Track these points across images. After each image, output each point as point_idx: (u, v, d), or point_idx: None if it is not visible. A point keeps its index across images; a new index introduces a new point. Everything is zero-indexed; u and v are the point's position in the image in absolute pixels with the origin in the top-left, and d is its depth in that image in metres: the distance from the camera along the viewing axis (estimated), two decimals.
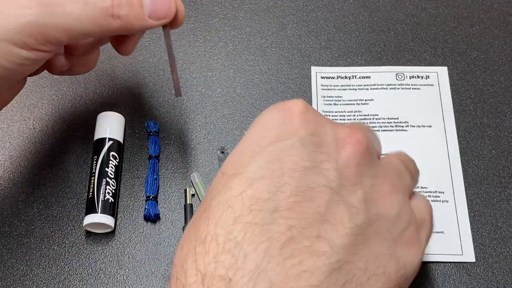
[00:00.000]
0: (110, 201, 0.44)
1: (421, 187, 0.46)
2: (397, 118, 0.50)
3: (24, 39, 0.31)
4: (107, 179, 0.44)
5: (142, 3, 0.33)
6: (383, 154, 0.35)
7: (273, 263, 0.21)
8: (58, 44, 0.33)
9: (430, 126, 0.49)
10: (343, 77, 0.52)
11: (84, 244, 0.44)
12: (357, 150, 0.27)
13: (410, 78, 0.52)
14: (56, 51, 0.34)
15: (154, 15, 0.34)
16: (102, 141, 0.46)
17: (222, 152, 0.47)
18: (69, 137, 0.49)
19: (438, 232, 0.44)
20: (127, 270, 0.43)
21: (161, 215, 0.45)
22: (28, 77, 0.41)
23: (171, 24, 0.36)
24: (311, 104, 0.51)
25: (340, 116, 0.50)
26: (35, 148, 0.48)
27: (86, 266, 0.43)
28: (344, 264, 0.23)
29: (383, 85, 0.52)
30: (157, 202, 0.45)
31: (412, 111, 0.50)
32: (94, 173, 0.44)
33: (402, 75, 0.52)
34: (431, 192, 0.46)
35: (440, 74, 0.52)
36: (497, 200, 0.46)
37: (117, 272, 0.43)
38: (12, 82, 0.36)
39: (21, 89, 0.40)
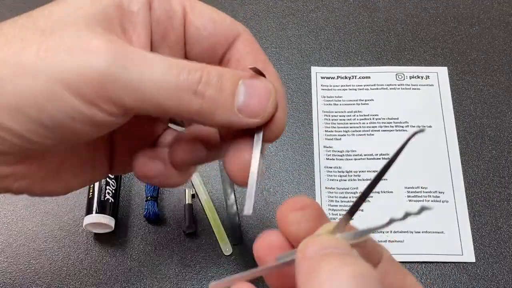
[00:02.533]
0: (110, 201, 0.44)
1: (421, 188, 0.46)
2: (397, 118, 0.50)
3: (82, 86, 0.23)
4: (107, 179, 0.44)
5: (235, 92, 0.25)
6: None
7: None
8: (122, 109, 0.24)
9: (430, 126, 0.49)
10: (343, 77, 0.52)
11: (84, 244, 0.44)
12: None
13: (410, 78, 0.52)
14: (119, 122, 0.25)
15: (246, 110, 0.26)
16: None
17: None
18: None
19: (438, 232, 0.44)
20: (127, 269, 0.43)
21: (161, 215, 0.45)
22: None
23: (265, 130, 0.27)
24: (311, 104, 0.51)
25: (340, 116, 0.50)
26: None
27: (86, 266, 0.43)
28: None
29: (383, 85, 0.52)
30: (157, 202, 0.45)
31: (412, 111, 0.50)
32: None
33: (402, 75, 0.52)
34: (431, 192, 0.46)
35: (440, 74, 0.52)
36: (497, 200, 0.45)
37: (117, 272, 0.43)
38: (66, 146, 0.26)
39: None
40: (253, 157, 0.27)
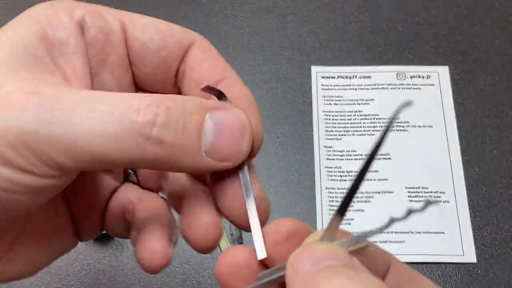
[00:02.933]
0: None
1: (422, 188, 0.46)
2: (398, 118, 0.50)
3: (6, 152, 0.19)
4: None
5: (201, 131, 0.20)
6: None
7: None
8: (59, 169, 0.19)
9: (431, 126, 0.49)
10: (343, 77, 0.52)
11: (83, 244, 0.44)
12: None
13: (411, 77, 0.52)
14: (63, 182, 0.21)
15: (215, 153, 0.21)
16: None
17: None
18: None
19: (439, 233, 0.44)
20: (126, 270, 0.43)
21: None
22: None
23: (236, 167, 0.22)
24: (311, 104, 0.50)
25: (340, 116, 0.50)
26: None
27: (85, 266, 0.43)
28: None
29: (383, 84, 0.51)
30: None
31: (413, 111, 0.50)
32: None
33: (403, 74, 0.52)
34: (432, 192, 0.46)
35: (441, 74, 0.52)
36: (499, 201, 0.45)
37: (116, 273, 0.43)
38: (12, 221, 0.22)
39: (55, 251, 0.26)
40: (248, 201, 0.22)
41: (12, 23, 0.22)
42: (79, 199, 0.25)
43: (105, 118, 0.19)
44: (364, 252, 0.20)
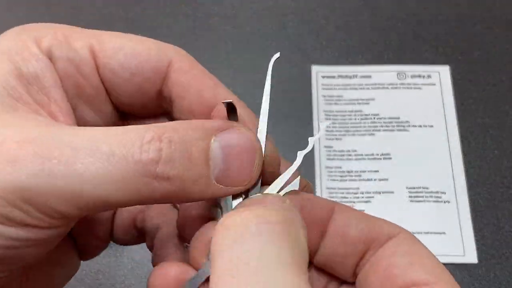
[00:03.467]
0: None
1: (423, 188, 0.46)
2: (398, 118, 0.49)
3: (3, 210, 0.17)
4: None
5: (209, 159, 0.19)
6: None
7: None
8: (64, 218, 0.18)
9: (432, 126, 0.49)
10: (343, 77, 0.52)
11: None
12: None
13: (411, 77, 0.52)
14: (68, 224, 0.20)
15: (226, 180, 0.19)
16: None
17: None
18: None
19: (439, 233, 0.44)
20: (125, 270, 0.43)
21: None
22: None
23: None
24: (311, 104, 0.50)
25: (341, 115, 0.50)
26: None
27: (85, 267, 0.43)
28: None
29: (384, 84, 0.51)
30: None
31: (414, 111, 0.50)
32: None
33: (404, 74, 0.52)
34: (432, 192, 0.46)
35: (442, 73, 0.52)
36: (500, 201, 0.45)
37: (116, 273, 0.43)
38: (15, 270, 0.20)
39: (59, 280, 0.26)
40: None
41: None
42: (84, 224, 0.25)
43: (108, 161, 0.17)
44: (300, 195, 0.21)
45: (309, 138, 0.22)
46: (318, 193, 0.46)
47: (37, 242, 0.19)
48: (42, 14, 0.55)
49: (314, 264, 0.22)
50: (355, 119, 0.49)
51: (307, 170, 0.47)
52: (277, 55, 0.22)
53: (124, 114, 0.25)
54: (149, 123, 0.21)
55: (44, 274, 0.24)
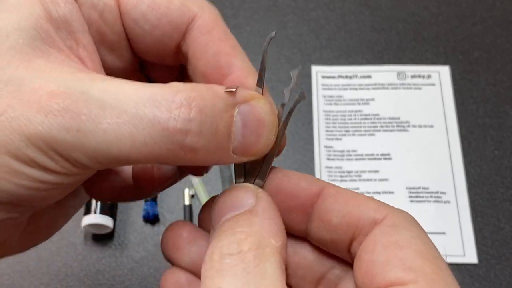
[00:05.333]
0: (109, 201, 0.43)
1: (423, 188, 0.46)
2: (398, 118, 0.49)
3: (33, 155, 0.18)
4: None
5: (231, 131, 0.19)
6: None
7: None
8: (87, 169, 0.19)
9: (432, 126, 0.49)
10: (344, 77, 0.52)
11: (82, 244, 0.44)
12: None
13: (411, 77, 0.52)
14: (89, 174, 0.21)
15: (242, 150, 0.20)
16: None
17: None
18: None
19: (440, 233, 0.44)
20: (125, 270, 0.43)
21: (160, 215, 0.45)
22: None
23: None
24: (311, 104, 0.50)
25: (341, 115, 0.50)
26: None
27: (85, 267, 0.43)
28: None
29: (384, 84, 0.51)
30: (156, 203, 0.45)
31: (414, 111, 0.50)
32: None
33: (404, 74, 0.52)
34: (432, 192, 0.46)
35: (442, 74, 0.52)
36: (500, 201, 0.45)
37: (115, 273, 0.43)
38: (37, 210, 0.22)
39: (67, 218, 0.27)
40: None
41: (10, 4, 0.20)
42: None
43: (134, 125, 0.18)
44: (283, 177, 0.21)
45: (284, 90, 0.22)
46: None
47: (59, 186, 0.20)
48: None
49: (312, 243, 0.22)
50: (355, 119, 0.49)
51: (307, 170, 0.47)
52: (273, 34, 0.22)
53: (144, 60, 0.25)
54: (168, 74, 0.22)
55: (56, 210, 0.25)
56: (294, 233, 0.22)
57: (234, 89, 0.20)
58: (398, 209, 0.20)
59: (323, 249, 0.22)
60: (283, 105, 0.21)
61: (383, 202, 0.20)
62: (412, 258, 0.18)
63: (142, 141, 0.18)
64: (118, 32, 0.22)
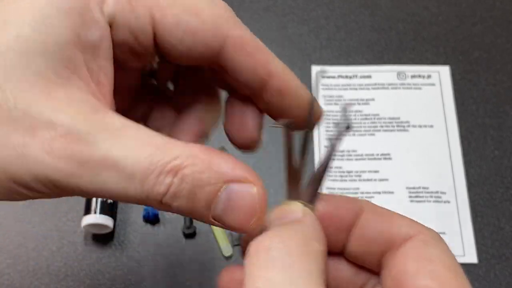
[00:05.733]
0: (109, 201, 0.43)
1: (423, 188, 0.46)
2: (398, 118, 0.49)
3: (35, 186, 0.20)
4: None
5: (211, 204, 0.20)
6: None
7: None
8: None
9: (432, 126, 0.49)
10: (344, 77, 0.52)
11: (82, 244, 0.44)
12: None
13: (411, 77, 0.52)
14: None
15: (222, 221, 0.21)
16: None
17: None
18: None
19: (439, 233, 0.44)
20: (125, 270, 0.43)
21: (160, 215, 0.45)
22: None
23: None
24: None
25: (340, 115, 0.50)
26: None
27: (85, 267, 0.43)
28: None
29: (384, 84, 0.51)
30: None
31: (414, 111, 0.50)
32: None
33: (404, 74, 0.52)
34: (432, 192, 0.46)
35: (442, 74, 0.52)
36: (500, 201, 0.45)
37: (115, 273, 0.43)
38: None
39: None
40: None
41: (38, 18, 0.20)
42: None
43: (126, 181, 0.20)
44: (329, 201, 0.23)
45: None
46: None
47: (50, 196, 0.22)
48: None
49: (347, 258, 0.24)
50: (355, 119, 0.49)
51: (307, 170, 0.47)
52: (324, 68, 0.23)
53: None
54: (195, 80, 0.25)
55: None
56: (333, 251, 0.23)
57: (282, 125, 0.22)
58: (429, 228, 0.22)
59: (357, 263, 0.23)
60: (330, 139, 0.23)
61: (415, 221, 0.22)
62: (440, 271, 0.20)
63: (131, 194, 0.20)
64: (150, 50, 0.23)
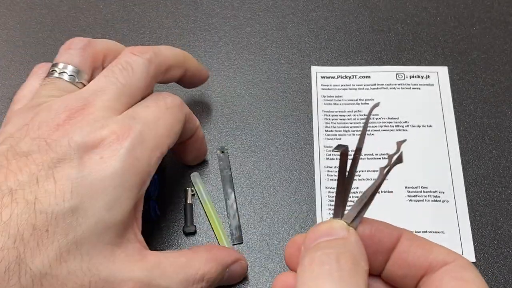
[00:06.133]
0: None
1: (421, 187, 0.46)
2: (397, 118, 0.50)
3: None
4: None
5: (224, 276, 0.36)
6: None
7: None
8: None
9: (430, 126, 0.49)
10: (343, 77, 0.52)
11: None
12: None
13: (410, 77, 0.52)
14: None
15: (230, 282, 0.38)
16: None
17: (222, 152, 0.47)
18: None
19: (438, 232, 0.44)
20: None
21: (161, 215, 0.45)
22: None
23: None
24: (311, 104, 0.51)
25: (340, 115, 0.50)
26: None
27: None
28: None
29: (383, 84, 0.52)
30: (157, 202, 0.45)
31: (412, 111, 0.50)
32: None
33: (402, 74, 0.52)
34: (431, 192, 0.46)
35: (441, 74, 0.52)
36: (498, 200, 0.45)
37: None
38: None
39: None
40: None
41: (110, 192, 0.29)
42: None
43: None
44: (371, 224, 0.26)
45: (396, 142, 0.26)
46: (317, 193, 0.46)
47: None
48: (42, 14, 0.56)
49: (383, 279, 0.27)
50: (355, 119, 0.50)
51: (307, 170, 0.47)
52: (377, 104, 0.26)
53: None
54: None
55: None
56: (372, 272, 0.26)
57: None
58: (464, 257, 0.25)
59: (393, 285, 0.26)
60: (381, 168, 0.26)
61: (452, 250, 0.25)
62: None
63: None
64: None
